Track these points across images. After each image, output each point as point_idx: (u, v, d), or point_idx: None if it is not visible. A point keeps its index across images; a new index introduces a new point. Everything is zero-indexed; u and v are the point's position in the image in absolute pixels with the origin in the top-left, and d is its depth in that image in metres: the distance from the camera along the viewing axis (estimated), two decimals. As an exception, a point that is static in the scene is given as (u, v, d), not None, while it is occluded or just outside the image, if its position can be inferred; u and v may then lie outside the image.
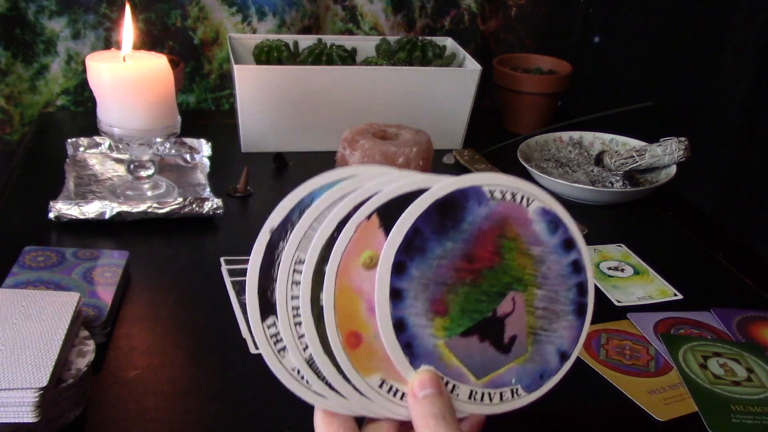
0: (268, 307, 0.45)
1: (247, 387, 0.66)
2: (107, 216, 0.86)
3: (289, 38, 1.17)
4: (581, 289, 0.49)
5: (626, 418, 0.66)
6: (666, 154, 1.03)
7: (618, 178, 1.04)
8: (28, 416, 0.54)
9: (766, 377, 0.71)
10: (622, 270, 0.88)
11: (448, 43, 1.23)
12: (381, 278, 0.44)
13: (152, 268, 0.82)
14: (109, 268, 0.77)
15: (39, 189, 0.94)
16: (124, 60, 0.88)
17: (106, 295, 0.72)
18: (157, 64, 0.88)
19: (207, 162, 1.03)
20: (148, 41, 1.23)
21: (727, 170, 1.55)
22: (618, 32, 1.49)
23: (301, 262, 0.44)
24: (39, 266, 0.76)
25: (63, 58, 1.21)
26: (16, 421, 0.54)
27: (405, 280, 0.45)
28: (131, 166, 0.93)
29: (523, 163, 1.04)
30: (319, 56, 1.12)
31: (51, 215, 0.86)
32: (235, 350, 0.70)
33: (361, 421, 0.45)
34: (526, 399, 0.49)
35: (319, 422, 0.45)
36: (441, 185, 0.45)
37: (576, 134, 1.15)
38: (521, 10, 1.42)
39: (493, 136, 1.20)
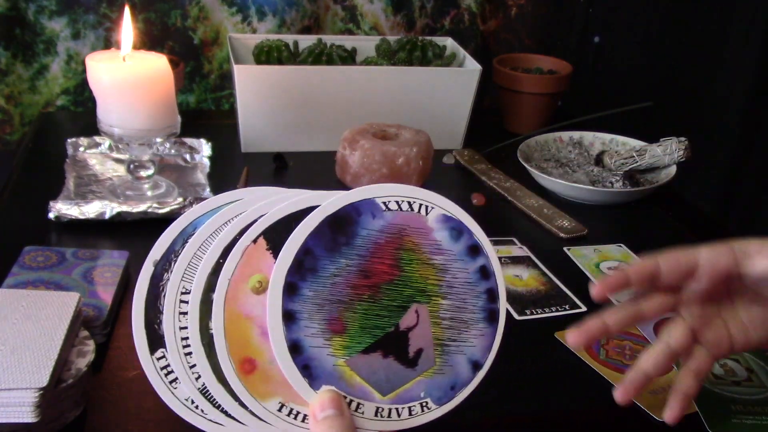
0: (156, 340, 0.45)
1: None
2: (107, 216, 0.86)
3: (289, 38, 1.17)
4: (491, 295, 0.48)
5: (626, 418, 0.66)
6: (666, 154, 1.03)
7: (618, 178, 1.04)
8: (28, 416, 0.54)
9: (766, 377, 0.71)
10: (622, 270, 0.88)
11: (448, 43, 1.23)
12: (272, 301, 0.43)
13: (152, 268, 0.82)
14: (109, 268, 0.77)
15: (39, 189, 0.94)
16: (124, 60, 0.88)
17: (106, 295, 0.72)
18: (157, 64, 0.88)
19: (207, 162, 1.03)
20: (148, 41, 1.23)
21: (727, 170, 1.55)
22: (618, 32, 1.49)
23: (187, 291, 0.44)
24: (39, 266, 0.76)
25: (63, 58, 1.21)
26: (16, 421, 0.54)
27: (298, 301, 0.44)
28: (131, 166, 0.93)
29: (523, 163, 1.04)
30: (319, 56, 1.12)
31: (51, 215, 0.86)
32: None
33: None
34: (437, 412, 0.48)
35: None
36: (330, 201, 0.44)
37: (576, 134, 1.15)
38: (521, 10, 1.42)
39: (493, 136, 1.20)
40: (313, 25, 1.31)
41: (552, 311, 0.79)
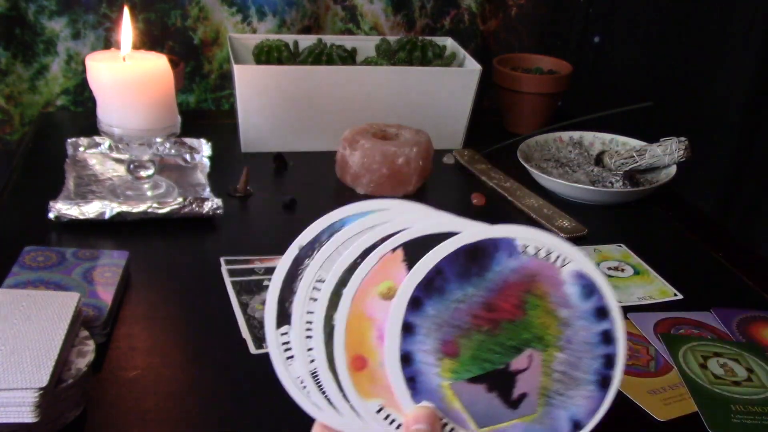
0: (284, 317, 0.47)
1: (247, 387, 0.66)
2: (107, 216, 0.86)
3: (289, 38, 1.17)
4: (608, 361, 0.47)
5: (626, 418, 0.66)
6: (666, 154, 1.03)
7: (618, 178, 1.04)
8: (28, 416, 0.54)
9: (766, 377, 0.71)
10: (622, 270, 0.88)
11: (448, 43, 1.23)
12: (395, 310, 0.45)
13: (152, 268, 0.82)
14: (109, 268, 0.77)
15: (39, 189, 0.94)
16: (124, 60, 0.88)
17: (106, 295, 0.72)
18: (157, 64, 0.88)
19: (207, 162, 1.03)
20: (148, 41, 1.23)
21: (727, 170, 1.55)
22: (618, 32, 1.49)
23: (322, 281, 0.46)
24: (39, 266, 0.76)
25: (63, 58, 1.21)
26: (16, 421, 0.54)
27: (419, 316, 0.45)
28: (131, 166, 0.93)
29: (523, 163, 1.04)
30: (319, 56, 1.12)
31: (51, 215, 0.86)
32: (235, 350, 0.70)
33: None
34: None
35: (315, 431, 0.46)
36: (472, 231, 0.46)
37: (576, 134, 1.15)
38: (521, 10, 1.42)
39: (493, 136, 1.20)
40: (313, 25, 1.31)
41: (552, 311, 0.79)
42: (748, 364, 0.72)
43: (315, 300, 0.46)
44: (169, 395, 0.64)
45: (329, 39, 1.17)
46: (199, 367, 0.68)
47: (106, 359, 0.68)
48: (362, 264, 0.46)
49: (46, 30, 1.18)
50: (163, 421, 0.62)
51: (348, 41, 1.19)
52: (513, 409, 0.47)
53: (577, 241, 0.93)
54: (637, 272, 0.87)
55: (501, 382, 0.47)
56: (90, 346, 0.62)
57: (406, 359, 0.46)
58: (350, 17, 1.33)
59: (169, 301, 0.77)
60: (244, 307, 0.75)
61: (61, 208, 0.86)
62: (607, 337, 0.47)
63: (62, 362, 0.58)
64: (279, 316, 0.47)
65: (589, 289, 0.46)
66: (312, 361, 0.47)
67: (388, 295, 0.46)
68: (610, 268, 0.88)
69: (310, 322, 0.46)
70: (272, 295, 0.47)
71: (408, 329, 0.46)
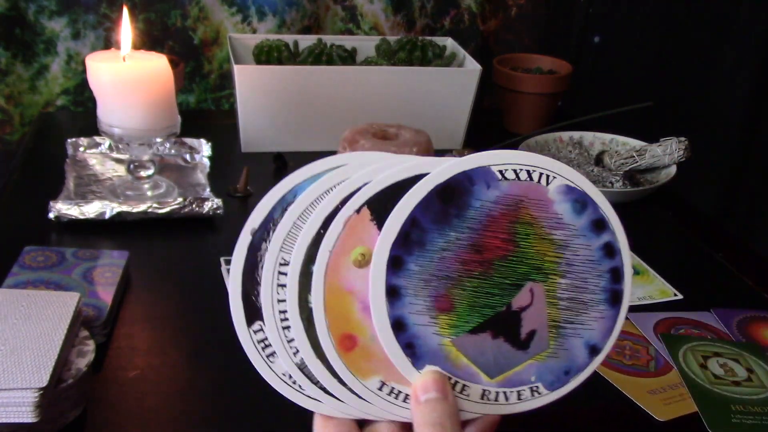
0: (253, 312, 0.42)
1: (247, 387, 0.66)
2: (107, 216, 0.86)
3: (289, 38, 1.16)
4: (615, 274, 0.44)
5: (626, 418, 0.66)
6: (666, 154, 1.03)
7: (618, 178, 1.04)
8: (28, 416, 0.54)
9: (766, 377, 0.71)
10: (622, 270, 0.88)
11: (448, 43, 1.23)
12: (375, 276, 0.41)
13: (152, 268, 0.82)
14: (109, 268, 0.77)
15: (39, 189, 0.94)
16: (124, 60, 0.88)
17: (106, 295, 0.72)
18: (157, 64, 0.88)
19: (207, 162, 1.03)
20: (148, 41, 1.23)
21: (727, 170, 1.55)
22: (618, 32, 1.49)
23: (286, 263, 0.42)
24: (39, 266, 0.76)
25: (63, 58, 1.21)
26: (16, 421, 0.54)
27: (403, 276, 0.41)
28: (131, 166, 0.93)
29: (523, 163, 1.04)
30: (319, 56, 1.12)
31: (51, 215, 0.85)
32: (235, 350, 0.70)
33: (362, 421, 0.44)
34: (548, 397, 0.45)
35: (317, 425, 0.43)
36: (441, 169, 0.41)
37: (576, 134, 1.15)
38: (521, 10, 1.42)
39: (493, 136, 1.20)
40: (313, 25, 1.31)
41: (552, 311, 0.79)
42: (748, 364, 0.72)
43: (284, 286, 0.41)
44: (169, 395, 0.64)
45: (329, 39, 1.17)
46: (199, 367, 0.68)
47: (106, 359, 0.68)
48: (327, 234, 0.41)
49: (46, 30, 1.18)
50: (163, 421, 0.62)
51: (348, 41, 1.19)
52: (524, 351, 0.43)
53: (577, 241, 0.93)
54: (637, 272, 0.87)
55: (506, 325, 0.43)
56: (90, 346, 0.62)
57: (399, 326, 0.41)
58: (350, 17, 1.33)
59: (169, 301, 0.77)
60: (244, 307, 0.75)
61: (61, 208, 0.86)
62: (610, 250, 0.44)
63: (62, 362, 0.58)
64: (248, 312, 0.42)
65: (581, 202, 0.43)
66: (296, 352, 0.42)
67: (364, 262, 0.41)
68: (610, 268, 0.88)
69: (284, 311, 0.42)
70: (234, 292, 0.42)
71: (393, 293, 0.41)
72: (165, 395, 0.64)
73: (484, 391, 0.44)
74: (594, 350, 0.45)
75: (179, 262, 0.84)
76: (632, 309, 0.80)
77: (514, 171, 0.42)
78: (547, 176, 0.42)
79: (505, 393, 0.44)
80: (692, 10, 1.47)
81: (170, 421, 0.62)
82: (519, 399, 0.45)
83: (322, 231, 0.41)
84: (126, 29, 0.90)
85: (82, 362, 0.60)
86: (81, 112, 1.22)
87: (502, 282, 0.42)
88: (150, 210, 0.87)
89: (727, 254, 0.93)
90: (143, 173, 0.93)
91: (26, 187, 0.97)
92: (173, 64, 1.02)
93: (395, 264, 0.41)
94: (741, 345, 0.75)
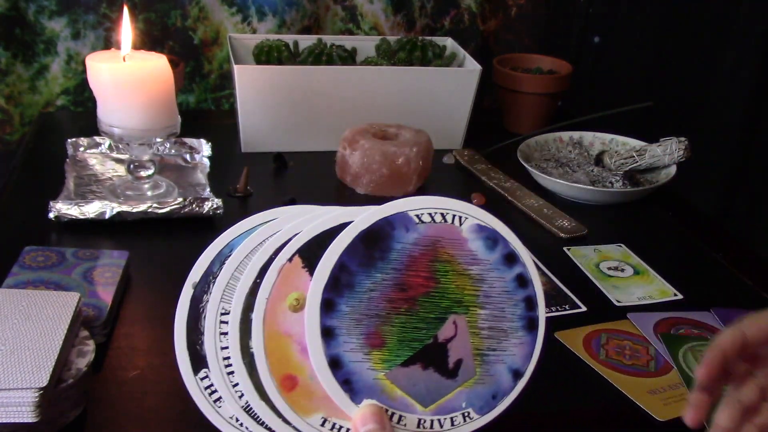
0: (198, 360, 0.46)
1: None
2: (107, 216, 0.86)
3: (289, 38, 1.17)
4: (529, 303, 0.48)
5: (626, 418, 0.66)
6: (666, 154, 1.03)
7: (618, 178, 1.04)
8: (28, 416, 0.54)
9: (766, 377, 0.71)
10: (622, 270, 0.88)
11: (448, 43, 1.23)
12: (310, 319, 0.44)
13: (152, 268, 0.82)
14: (109, 268, 0.77)
15: (39, 189, 0.94)
16: (124, 60, 0.88)
17: (106, 295, 0.72)
18: (157, 64, 0.88)
19: (207, 162, 1.03)
20: (148, 41, 1.23)
21: (727, 170, 1.54)
22: (618, 32, 1.49)
23: (227, 312, 0.45)
24: (39, 266, 0.76)
25: (63, 58, 1.21)
26: (16, 421, 0.54)
27: (335, 317, 0.44)
28: (131, 166, 0.93)
29: (523, 163, 1.04)
30: (319, 56, 1.12)
31: (51, 215, 0.85)
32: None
33: None
34: (479, 422, 0.48)
35: None
36: (363, 217, 0.44)
37: (576, 134, 1.15)
38: (521, 10, 1.42)
39: (493, 136, 1.20)
40: (313, 25, 1.31)
41: (552, 311, 0.79)
42: (748, 364, 0.72)
43: (225, 334, 0.45)
44: (169, 395, 0.64)
45: (329, 39, 1.17)
46: (199, 367, 0.68)
47: (106, 359, 0.68)
48: (263, 283, 0.44)
49: (46, 30, 1.18)
50: (163, 421, 0.62)
51: (348, 41, 1.19)
52: (453, 379, 0.47)
53: (577, 241, 0.93)
54: (637, 272, 0.87)
55: (434, 357, 0.46)
56: (90, 346, 0.62)
57: (335, 364, 0.45)
58: (350, 17, 1.33)
59: (169, 301, 0.77)
60: (244, 307, 0.75)
61: (61, 208, 0.86)
62: (522, 281, 0.47)
63: (62, 362, 0.58)
64: (193, 361, 0.46)
65: (492, 239, 0.47)
66: (241, 396, 0.45)
67: (299, 307, 0.44)
68: (610, 268, 0.88)
69: (227, 358, 0.45)
70: (180, 343, 0.46)
71: (328, 334, 0.44)
72: (165, 395, 0.64)
73: (420, 419, 0.47)
74: (517, 374, 0.49)
75: (179, 262, 0.83)
76: (632, 309, 0.80)
77: (430, 214, 0.45)
78: (460, 217, 0.46)
79: (439, 420, 0.47)
80: (692, 10, 1.47)
81: (170, 421, 0.62)
82: (453, 425, 0.48)
83: (258, 280, 0.44)
84: (126, 29, 0.90)
85: (82, 362, 0.60)
86: (81, 112, 1.22)
87: (427, 316, 0.46)
88: (150, 210, 0.87)
89: (727, 254, 0.93)
90: (143, 173, 0.93)
91: (26, 187, 0.97)
92: (173, 64, 1.02)
93: (328, 306, 0.44)
94: (741, 345, 0.75)
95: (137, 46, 0.93)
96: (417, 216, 0.45)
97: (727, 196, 1.57)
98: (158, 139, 0.92)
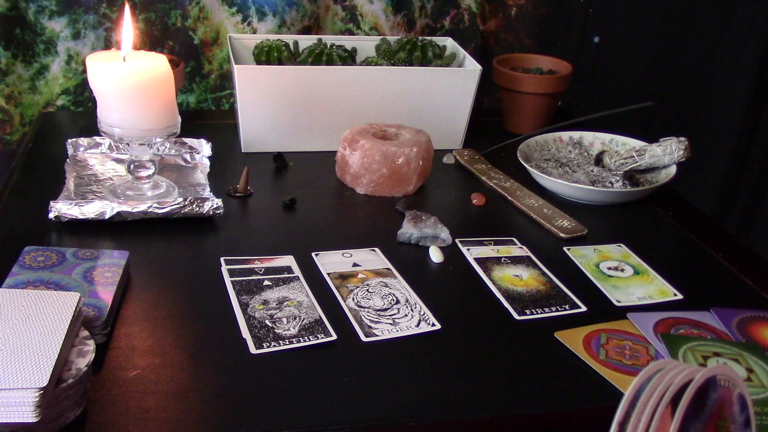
0: None
1: (247, 387, 0.66)
2: (107, 216, 0.86)
3: (289, 38, 1.17)
4: None
5: (626, 418, 0.66)
6: (666, 154, 1.03)
7: (618, 178, 1.04)
8: (28, 416, 0.54)
9: (766, 377, 0.71)
10: (622, 270, 0.88)
11: (448, 43, 1.23)
12: None
13: (152, 268, 0.82)
14: (109, 268, 0.77)
15: (39, 189, 0.94)
16: (124, 60, 0.88)
17: (106, 295, 0.72)
18: (157, 64, 0.88)
19: (207, 162, 1.03)
20: (148, 41, 1.23)
21: (727, 170, 1.55)
22: (618, 32, 1.49)
23: None
24: (39, 266, 0.76)
25: (63, 58, 1.21)
26: (16, 421, 0.54)
27: None
28: (131, 166, 0.93)
29: (523, 163, 1.04)
30: (319, 56, 1.12)
31: (51, 215, 0.86)
32: (235, 350, 0.70)
33: None
34: None
35: None
36: (702, 373, 0.52)
37: (576, 134, 1.15)
38: (521, 10, 1.42)
39: (493, 136, 1.20)
40: (313, 25, 1.31)
41: (552, 311, 0.79)
42: (747, 364, 0.72)
43: None
44: (169, 395, 0.64)
45: (329, 39, 1.17)
46: (199, 367, 0.68)
47: (106, 359, 0.68)
48: (652, 424, 0.51)
49: (46, 30, 1.18)
50: (163, 421, 0.62)
51: (348, 41, 1.19)
52: None
53: (577, 241, 0.93)
54: (637, 272, 0.87)
55: None
56: (90, 346, 0.62)
57: None
58: (350, 17, 1.33)
59: (169, 301, 0.77)
60: (244, 307, 0.75)
61: (61, 208, 0.86)
62: None
63: (62, 362, 0.58)
64: None
65: (743, 405, 0.55)
66: None
67: None
68: (610, 268, 0.88)
69: None
70: None
71: None
72: (165, 395, 0.64)
73: None
74: None
75: (179, 262, 0.84)
76: (632, 309, 0.80)
77: (726, 381, 0.54)
78: (732, 384, 0.54)
79: None
80: (692, 10, 1.47)
81: (170, 421, 0.62)
82: None
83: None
84: (127, 29, 0.90)
85: (82, 362, 0.60)
86: (81, 112, 1.22)
87: None
88: (150, 210, 0.87)
89: (727, 254, 0.93)
90: (143, 173, 0.94)
91: (26, 187, 0.97)
92: (173, 64, 1.03)
93: None
94: (741, 345, 0.75)
95: (137, 46, 0.93)
96: (719, 380, 0.53)
97: (727, 196, 1.57)
98: (158, 139, 0.92)
